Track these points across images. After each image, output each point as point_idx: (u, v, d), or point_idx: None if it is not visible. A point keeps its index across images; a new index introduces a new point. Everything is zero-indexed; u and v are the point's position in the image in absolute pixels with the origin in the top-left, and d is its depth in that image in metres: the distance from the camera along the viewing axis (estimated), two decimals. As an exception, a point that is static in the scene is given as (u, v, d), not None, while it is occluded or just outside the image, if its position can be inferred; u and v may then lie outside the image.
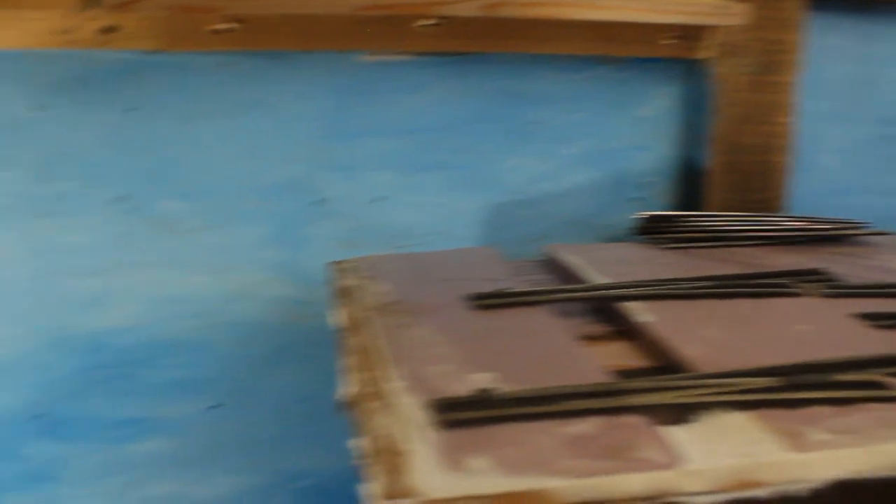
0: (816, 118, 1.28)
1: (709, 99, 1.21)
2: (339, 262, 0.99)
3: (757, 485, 0.47)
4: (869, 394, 0.54)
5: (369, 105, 1.16)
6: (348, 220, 1.18)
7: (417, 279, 0.91)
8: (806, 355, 0.61)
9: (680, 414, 0.54)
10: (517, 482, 0.46)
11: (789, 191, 1.27)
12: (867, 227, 1.10)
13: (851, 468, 0.48)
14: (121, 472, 1.26)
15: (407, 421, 0.55)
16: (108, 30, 1.04)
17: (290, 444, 1.26)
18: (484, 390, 0.56)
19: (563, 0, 1.07)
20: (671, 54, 1.18)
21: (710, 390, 0.54)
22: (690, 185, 1.26)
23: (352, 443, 0.55)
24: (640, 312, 0.76)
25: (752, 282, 0.83)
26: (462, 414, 0.55)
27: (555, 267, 1.00)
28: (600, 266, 0.93)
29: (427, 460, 0.49)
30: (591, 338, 0.75)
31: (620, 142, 1.23)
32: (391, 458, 0.50)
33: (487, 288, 0.82)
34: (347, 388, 0.65)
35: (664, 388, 0.55)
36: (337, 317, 0.83)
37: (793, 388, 0.54)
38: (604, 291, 0.81)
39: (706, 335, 0.69)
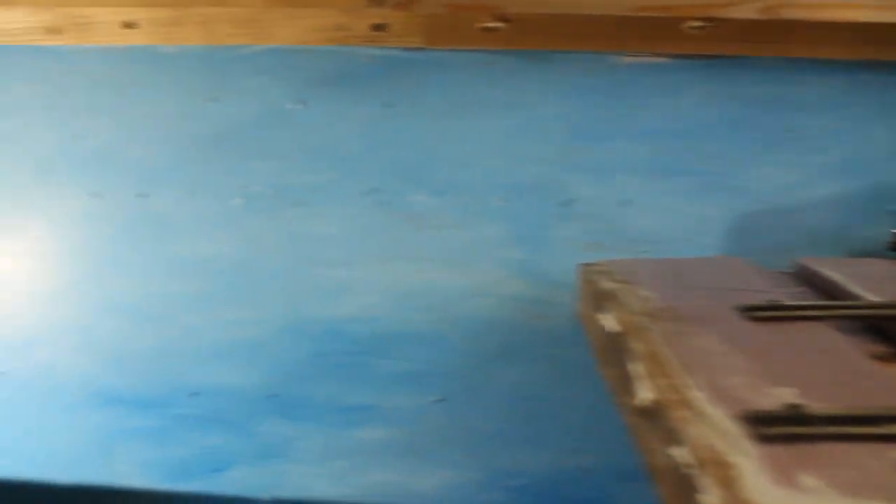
0: None
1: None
2: (590, 265, 1.05)
3: None
4: None
5: (622, 107, 1.22)
6: (593, 222, 1.24)
7: (677, 286, 0.95)
8: None
9: None
10: (860, 505, 0.45)
11: None
12: None
13: None
14: (344, 456, 1.37)
15: (723, 432, 0.56)
16: (379, 27, 1.14)
17: (509, 442, 1.35)
18: (794, 406, 0.56)
19: (848, 1, 1.09)
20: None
21: None
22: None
23: (674, 450, 0.60)
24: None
25: None
26: (777, 429, 0.55)
27: (811, 280, 1.02)
28: (864, 282, 0.93)
29: (757, 475, 0.50)
30: (881, 358, 0.76)
31: (880, 151, 1.24)
32: (719, 470, 0.51)
33: (754, 299, 0.86)
34: (644, 393, 0.70)
35: None
36: (606, 321, 0.89)
37: None
38: (888, 310, 0.85)
39: None
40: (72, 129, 1.25)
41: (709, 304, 0.87)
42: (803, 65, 1.17)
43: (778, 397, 0.60)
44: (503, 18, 1.09)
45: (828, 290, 0.98)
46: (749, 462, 0.51)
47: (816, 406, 0.57)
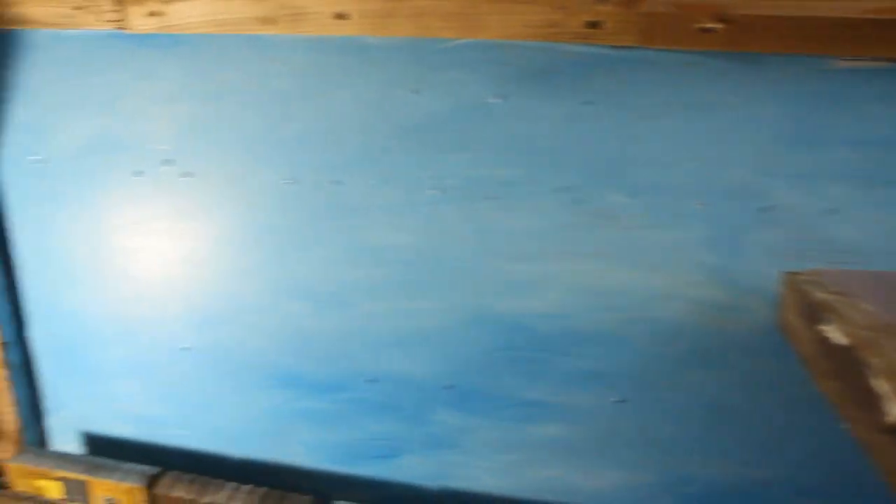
0: None
1: None
2: (796, 273, 1.04)
3: None
4: None
5: (832, 112, 1.23)
6: (794, 230, 1.27)
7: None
8: None
9: None
10: None
11: None
12: None
13: None
14: (516, 451, 1.45)
15: None
16: (593, 25, 1.19)
17: (687, 449, 1.40)
18: None
19: None
20: None
21: None
22: None
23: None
24: None
25: None
26: None
27: None
28: None
29: None
30: None
31: None
32: None
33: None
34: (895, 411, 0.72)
35: None
36: (831, 333, 0.90)
37: None
38: None
39: None
40: (275, 115, 1.32)
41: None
42: None
43: None
44: (723, 19, 1.13)
45: None
46: None
47: None
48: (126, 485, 1.41)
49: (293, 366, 1.40)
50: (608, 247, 1.24)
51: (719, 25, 1.09)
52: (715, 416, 1.31)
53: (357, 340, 1.34)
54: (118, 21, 1.25)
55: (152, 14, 1.23)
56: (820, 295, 0.97)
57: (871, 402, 0.73)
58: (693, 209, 1.21)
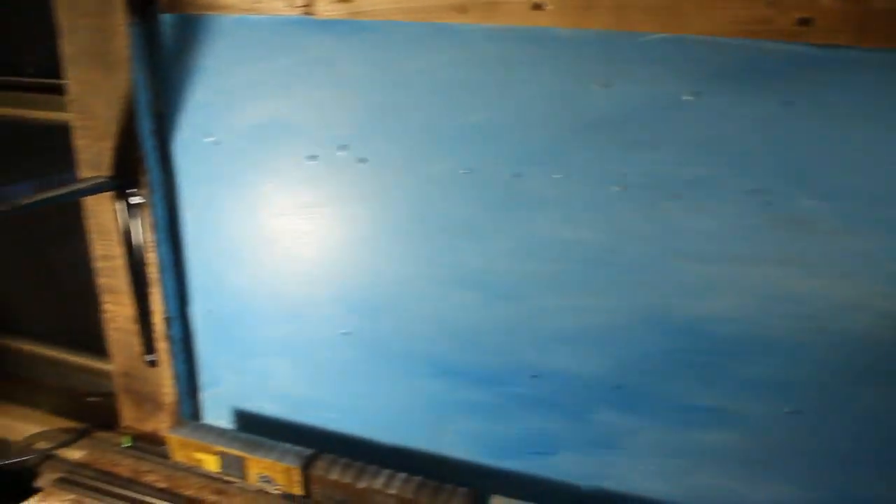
0: None
1: None
2: None
3: None
4: None
5: None
6: None
7: None
8: None
9: None
10: None
11: None
12: None
13: None
14: (679, 456, 1.42)
15: None
16: (804, 22, 1.15)
17: (862, 465, 1.35)
18: None
19: None
20: None
21: None
22: None
23: None
24: None
25: None
26: None
27: None
28: None
29: None
30: None
31: None
32: None
33: None
34: None
35: None
36: None
37: None
38: None
39: None
40: (456, 105, 1.33)
41: None
42: None
43: None
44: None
45: None
46: None
47: None
48: (283, 464, 1.44)
49: (456, 356, 1.41)
50: (795, 252, 1.21)
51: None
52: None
53: (524, 335, 1.34)
54: (306, 6, 1.27)
55: (341, 0, 1.23)
56: None
57: None
58: (890, 217, 1.16)
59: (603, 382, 1.33)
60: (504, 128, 1.26)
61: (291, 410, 1.60)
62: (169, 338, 1.57)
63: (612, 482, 1.41)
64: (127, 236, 1.45)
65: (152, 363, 1.55)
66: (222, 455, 1.49)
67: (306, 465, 1.44)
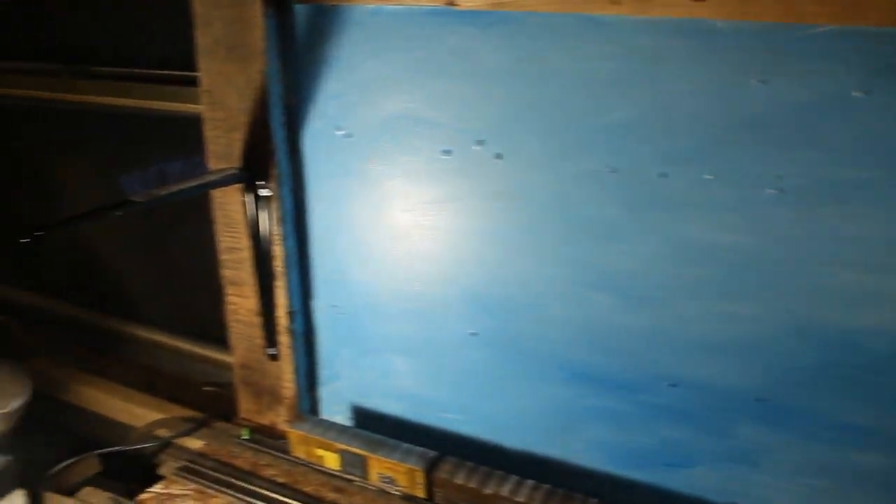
0: None
1: None
2: None
3: None
4: None
5: None
6: None
7: None
8: None
9: None
10: None
11: None
12: None
13: None
14: (825, 477, 1.33)
15: None
16: None
17: None
18: None
19: None
20: None
21: None
22: None
23: None
24: None
25: None
26: None
27: None
28: None
29: None
30: None
31: None
32: None
33: None
34: None
35: None
36: None
37: None
38: None
39: None
40: (601, 100, 1.28)
41: None
42: None
43: None
44: None
45: None
46: None
47: None
48: (406, 465, 1.42)
49: (588, 361, 1.37)
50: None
51: None
52: None
53: (664, 341, 1.29)
54: (449, -4, 1.23)
55: None
56: None
57: None
58: None
59: (746, 394, 1.27)
60: (651, 125, 1.20)
61: (411, 409, 1.57)
62: (291, 332, 1.57)
63: (747, 500, 1.36)
64: (254, 229, 1.43)
65: (273, 356, 1.54)
66: (343, 453, 1.47)
67: (430, 467, 1.41)
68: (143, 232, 2.12)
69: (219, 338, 1.91)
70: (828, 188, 1.20)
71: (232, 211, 1.55)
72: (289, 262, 1.54)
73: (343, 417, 1.68)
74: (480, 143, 1.33)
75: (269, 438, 1.64)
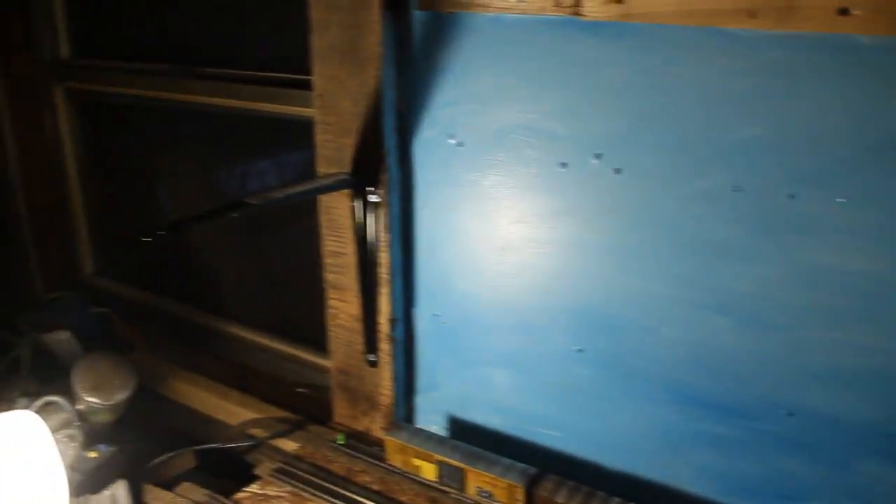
0: None
1: None
2: None
3: None
4: None
5: None
6: None
7: None
8: None
9: None
10: None
11: None
12: None
13: None
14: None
15: None
16: None
17: None
18: None
19: None
20: None
21: None
22: None
23: None
24: None
25: None
26: None
27: None
28: None
29: None
30: None
31: None
32: None
33: None
34: None
35: None
36: None
37: None
38: None
39: None
40: (728, 117, 1.24)
41: None
42: None
43: None
44: None
45: None
46: None
47: None
48: (505, 480, 1.37)
49: (699, 384, 1.32)
50: None
51: None
52: None
53: (783, 368, 1.23)
54: (574, 6, 1.20)
55: (615, 1, 1.14)
56: None
57: None
58: None
59: (871, 429, 1.21)
60: (781, 144, 1.14)
61: (509, 423, 1.55)
62: (392, 339, 1.54)
63: (869, 539, 1.24)
64: (360, 234, 1.41)
65: (373, 363, 1.52)
66: (441, 464, 1.43)
67: (531, 484, 1.38)
68: (242, 231, 2.12)
69: (312, 340, 1.91)
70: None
71: (338, 215, 1.53)
72: (393, 270, 1.52)
73: (438, 427, 1.65)
74: (598, 156, 1.29)
75: (363, 444, 1.62)
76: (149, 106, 2.14)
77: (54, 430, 1.43)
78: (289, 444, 1.67)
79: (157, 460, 1.61)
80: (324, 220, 1.56)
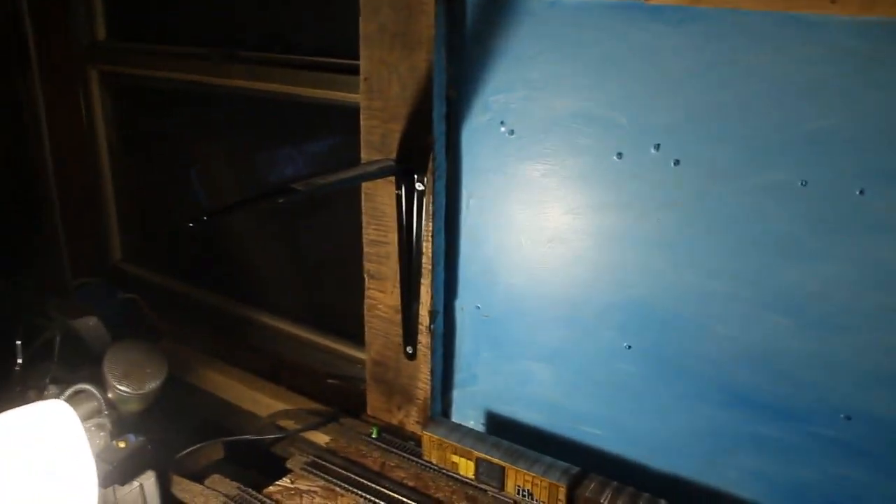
0: None
1: None
2: None
3: None
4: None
5: None
6: None
7: None
8: None
9: None
10: None
11: None
12: None
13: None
14: None
15: None
16: None
17: None
18: None
19: None
20: None
21: None
22: None
23: None
24: None
25: None
26: None
27: None
28: None
29: None
30: None
31: None
32: None
33: None
34: None
35: None
36: None
37: None
38: None
39: None
40: (798, 108, 1.18)
41: None
42: None
43: None
44: None
45: None
46: None
47: None
48: (547, 479, 1.31)
49: (754, 384, 1.27)
50: None
51: None
52: None
53: (843, 371, 1.17)
54: (637, -11, 1.12)
55: None
56: None
57: None
58: None
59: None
60: (854, 137, 1.10)
61: (550, 419, 1.49)
62: (431, 331, 1.48)
63: (928, 551, 1.17)
64: (404, 223, 1.35)
65: (411, 355, 1.45)
66: (480, 461, 1.37)
67: (573, 484, 1.31)
68: (275, 218, 2.07)
69: (345, 331, 1.85)
70: None
71: (381, 203, 1.47)
72: (436, 260, 1.46)
73: (475, 422, 1.60)
74: (657, 147, 1.23)
75: (397, 438, 1.56)
76: (183, 90, 2.08)
77: (84, 419, 1.38)
78: (320, 437, 1.61)
79: (185, 451, 1.54)
80: (366, 207, 1.50)
